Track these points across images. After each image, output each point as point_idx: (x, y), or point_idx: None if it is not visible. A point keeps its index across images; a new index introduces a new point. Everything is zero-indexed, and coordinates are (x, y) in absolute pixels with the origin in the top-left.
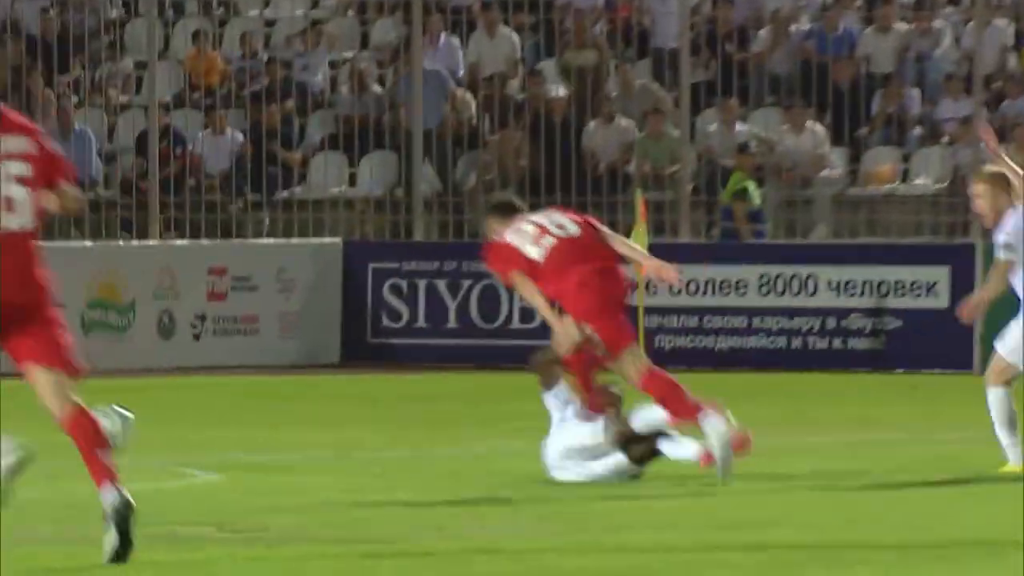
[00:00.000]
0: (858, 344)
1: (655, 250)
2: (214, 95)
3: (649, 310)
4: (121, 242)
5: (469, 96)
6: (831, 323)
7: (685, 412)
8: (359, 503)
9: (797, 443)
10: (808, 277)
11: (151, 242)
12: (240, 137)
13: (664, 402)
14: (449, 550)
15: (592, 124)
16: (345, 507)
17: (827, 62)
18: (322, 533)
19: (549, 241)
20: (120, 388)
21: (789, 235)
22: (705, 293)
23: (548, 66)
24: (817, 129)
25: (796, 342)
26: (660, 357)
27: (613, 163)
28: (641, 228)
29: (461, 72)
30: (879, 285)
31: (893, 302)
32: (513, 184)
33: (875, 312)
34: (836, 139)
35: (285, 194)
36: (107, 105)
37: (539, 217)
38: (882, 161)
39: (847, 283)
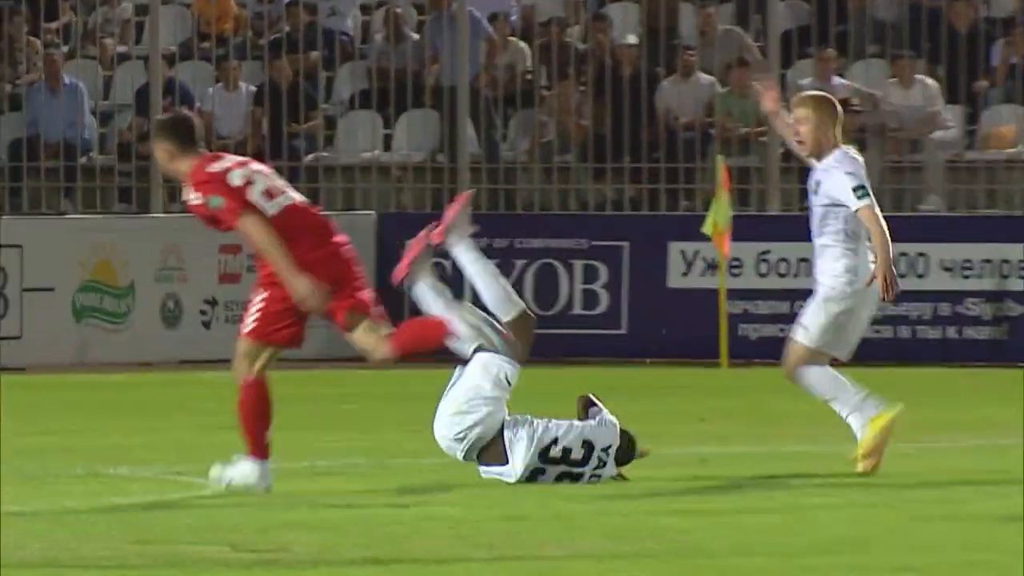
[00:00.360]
0: (976, 334)
1: (739, 223)
2: (227, 44)
3: (732, 293)
4: (119, 215)
5: (523, 45)
6: (945, 309)
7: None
8: (396, 519)
9: (903, 449)
10: (918, 256)
11: (154, 215)
12: (256, 93)
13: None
14: (500, 572)
15: (666, 81)
16: (380, 523)
17: (941, 5)
18: (353, 554)
19: (286, 199)
20: (118, 384)
21: (896, 207)
22: (797, 274)
23: (615, 10)
24: (929, 83)
25: (903, 331)
26: (744, 347)
27: (691, 123)
28: (723, 198)
29: (514, 17)
30: (1001, 265)
31: (1017, 285)
32: (575, 147)
33: (996, 296)
34: (951, 95)
35: (309, 159)
36: (102, 56)
37: (256, 166)
38: (1004, 121)
39: (963, 263)
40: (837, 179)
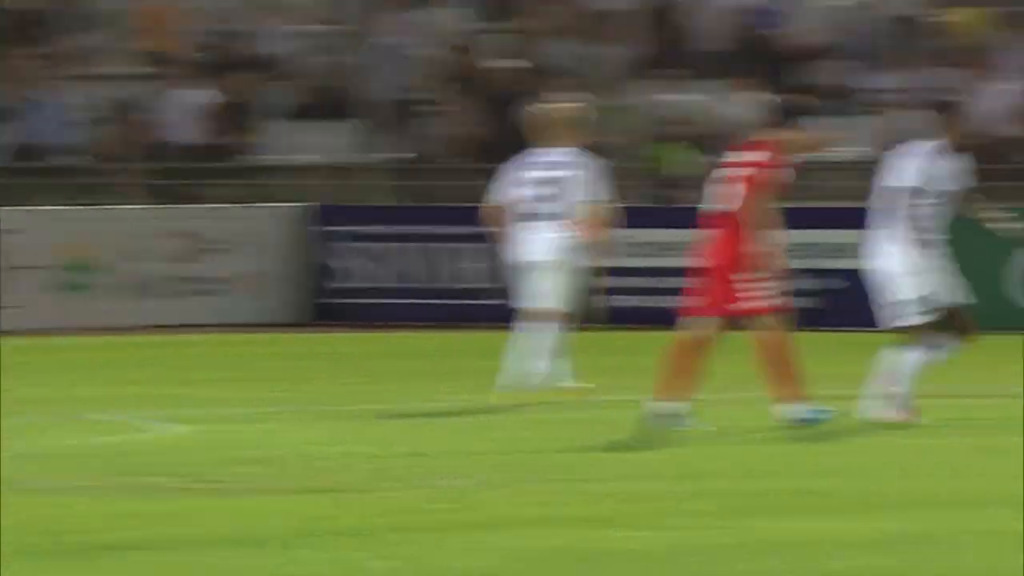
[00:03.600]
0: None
1: None
2: (182, 65)
3: None
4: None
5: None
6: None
7: None
8: (326, 455)
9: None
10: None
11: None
12: (204, 104)
13: None
14: (406, 498)
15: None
16: (314, 458)
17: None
18: (293, 483)
19: None
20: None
21: None
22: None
23: (494, 39)
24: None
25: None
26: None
27: None
28: None
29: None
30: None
31: None
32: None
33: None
34: None
35: (248, 160)
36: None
37: None
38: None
39: None
40: None
